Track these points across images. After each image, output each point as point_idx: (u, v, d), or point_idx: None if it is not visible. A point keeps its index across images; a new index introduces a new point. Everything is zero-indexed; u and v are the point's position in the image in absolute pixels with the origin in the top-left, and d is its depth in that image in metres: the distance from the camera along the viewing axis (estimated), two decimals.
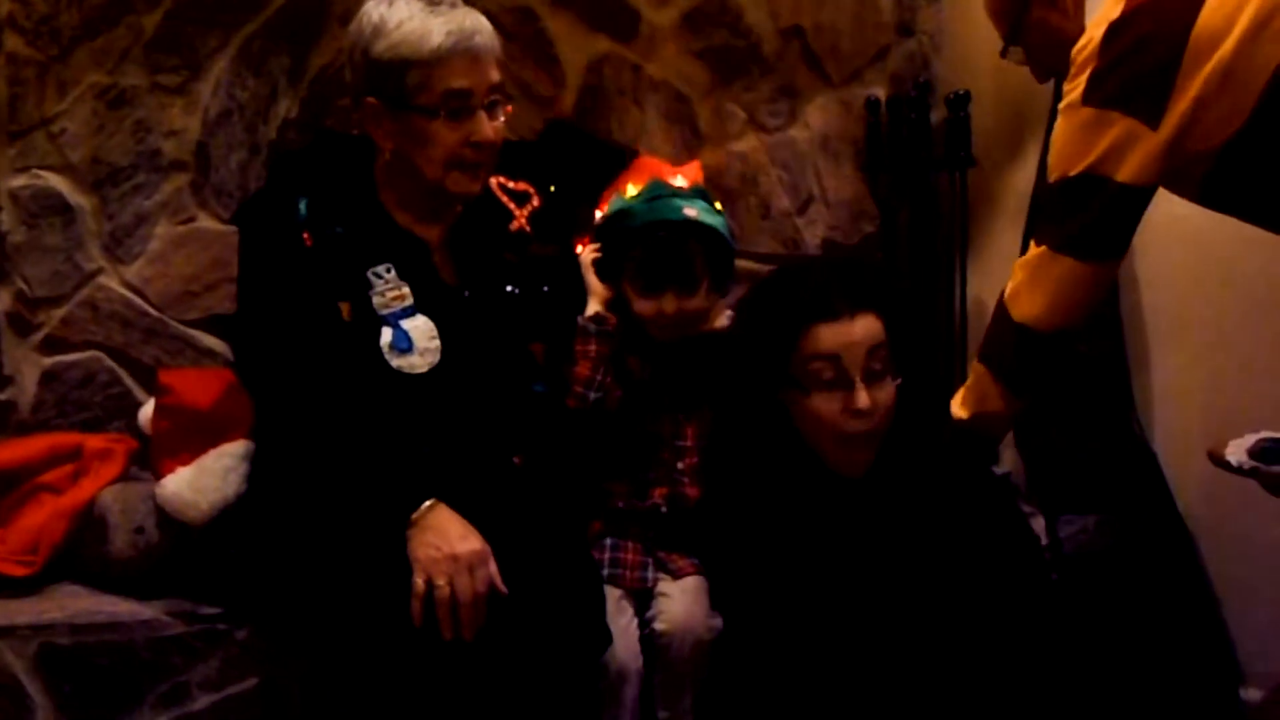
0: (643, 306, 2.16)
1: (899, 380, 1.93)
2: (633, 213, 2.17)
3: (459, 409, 2.01)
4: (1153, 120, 1.83)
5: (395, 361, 1.98)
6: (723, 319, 2.21)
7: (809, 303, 1.92)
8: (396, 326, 2.00)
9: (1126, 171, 1.87)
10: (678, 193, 2.19)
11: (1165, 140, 1.84)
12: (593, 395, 2.14)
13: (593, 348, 2.16)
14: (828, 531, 1.95)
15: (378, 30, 1.97)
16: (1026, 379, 2.07)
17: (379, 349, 1.98)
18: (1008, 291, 2.05)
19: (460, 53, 1.95)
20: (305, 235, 2.01)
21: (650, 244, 2.14)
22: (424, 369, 1.99)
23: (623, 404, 2.17)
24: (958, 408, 2.13)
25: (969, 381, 2.13)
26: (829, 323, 1.90)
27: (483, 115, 1.99)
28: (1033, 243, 2.01)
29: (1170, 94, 1.81)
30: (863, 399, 1.90)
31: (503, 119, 2.04)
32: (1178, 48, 1.82)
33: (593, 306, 2.20)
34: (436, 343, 2.01)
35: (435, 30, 1.94)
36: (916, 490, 1.97)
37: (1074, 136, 1.91)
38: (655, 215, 2.15)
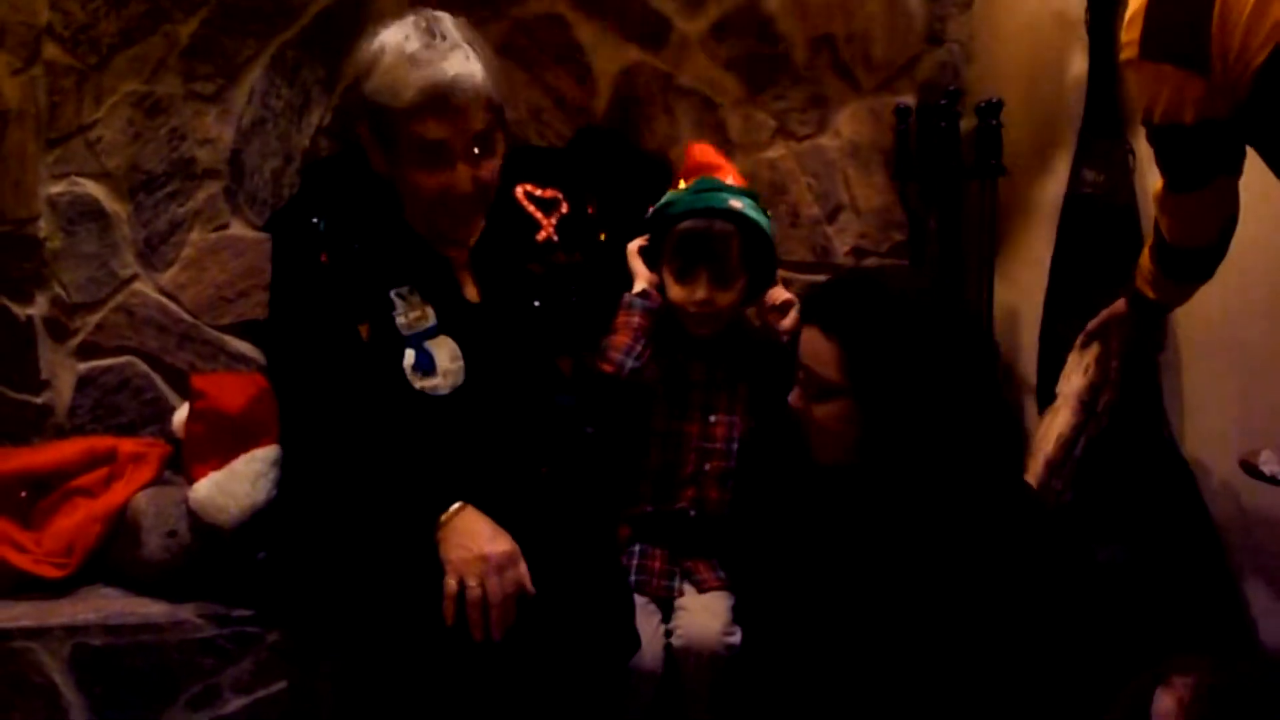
0: (676, 293, 2.16)
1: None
2: (679, 201, 2.19)
3: (483, 429, 2.00)
4: (1203, 70, 1.80)
5: (418, 383, 1.98)
6: (789, 319, 2.19)
7: None
8: (419, 348, 1.99)
9: (1191, 115, 1.84)
10: (726, 188, 2.20)
11: (1218, 83, 1.80)
12: (630, 364, 2.12)
13: (636, 319, 2.16)
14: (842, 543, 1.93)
15: (370, 68, 1.96)
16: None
17: (401, 370, 1.97)
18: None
19: (435, 106, 1.91)
20: (322, 254, 2.02)
21: (689, 227, 2.15)
22: (447, 390, 1.99)
23: (657, 386, 2.16)
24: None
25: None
26: None
27: (461, 167, 1.95)
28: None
29: (1209, 41, 1.77)
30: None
31: (493, 164, 2.00)
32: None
33: (638, 286, 2.20)
34: (460, 363, 2.00)
35: (410, 84, 1.91)
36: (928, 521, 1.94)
37: (1143, 89, 1.90)
38: (699, 203, 2.16)
